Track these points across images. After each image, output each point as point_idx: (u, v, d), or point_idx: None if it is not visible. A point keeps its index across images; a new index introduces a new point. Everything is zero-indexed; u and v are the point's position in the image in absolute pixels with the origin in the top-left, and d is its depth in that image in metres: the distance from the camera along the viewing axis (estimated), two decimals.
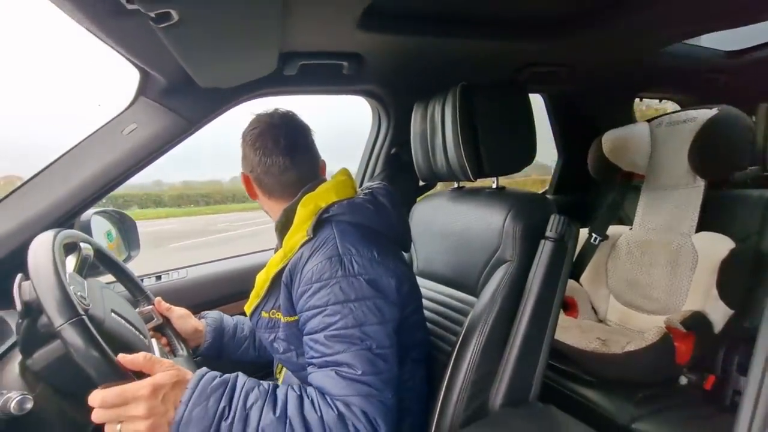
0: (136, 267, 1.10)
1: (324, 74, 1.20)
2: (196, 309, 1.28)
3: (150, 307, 0.94)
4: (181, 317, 0.97)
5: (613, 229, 1.64)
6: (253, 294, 0.86)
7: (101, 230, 1.27)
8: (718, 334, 1.25)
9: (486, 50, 1.30)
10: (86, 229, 1.13)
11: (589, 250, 1.65)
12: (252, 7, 0.63)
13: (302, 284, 0.73)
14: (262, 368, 1.14)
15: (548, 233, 0.87)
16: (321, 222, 0.78)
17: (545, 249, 0.86)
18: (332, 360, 0.68)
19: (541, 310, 0.86)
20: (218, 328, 1.03)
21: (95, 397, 0.57)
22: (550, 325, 0.87)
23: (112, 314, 0.72)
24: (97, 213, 1.21)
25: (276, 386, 0.68)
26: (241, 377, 0.68)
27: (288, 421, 0.63)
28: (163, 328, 0.94)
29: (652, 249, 1.50)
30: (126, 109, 1.04)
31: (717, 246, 1.29)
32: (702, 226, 1.40)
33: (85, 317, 0.59)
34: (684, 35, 1.49)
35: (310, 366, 0.71)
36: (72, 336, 0.56)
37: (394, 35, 1.06)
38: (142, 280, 1.29)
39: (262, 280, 0.83)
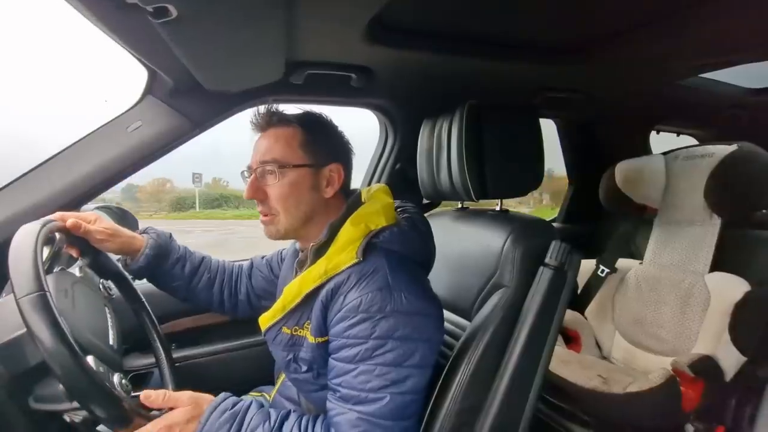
0: None
1: (332, 85, 1.20)
2: (187, 313, 1.27)
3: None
4: (105, 240, 0.84)
5: (622, 263, 1.58)
6: (277, 307, 0.78)
7: None
8: (730, 382, 1.18)
9: (499, 71, 1.29)
10: None
11: (595, 282, 1.59)
12: (254, 8, 0.63)
13: (344, 309, 0.69)
14: (261, 380, 1.11)
15: (547, 260, 0.83)
16: (369, 246, 0.73)
17: (543, 276, 0.82)
18: (359, 397, 0.66)
19: (535, 342, 0.81)
20: (158, 255, 0.92)
21: None
22: (543, 358, 0.82)
23: (89, 335, 0.70)
24: (98, 208, 1.21)
25: (284, 419, 0.68)
26: (252, 410, 0.68)
27: None
28: (140, 315, 0.91)
29: (662, 286, 1.43)
30: (132, 106, 1.05)
31: (731, 288, 1.22)
32: (716, 265, 1.34)
33: (121, 396, 0.61)
34: (701, 68, 1.46)
35: (331, 391, 0.70)
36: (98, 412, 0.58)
37: (404, 50, 1.06)
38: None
39: (293, 294, 0.75)
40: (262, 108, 0.79)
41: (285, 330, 0.78)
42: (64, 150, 1.01)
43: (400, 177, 1.47)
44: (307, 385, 0.79)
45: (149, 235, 0.93)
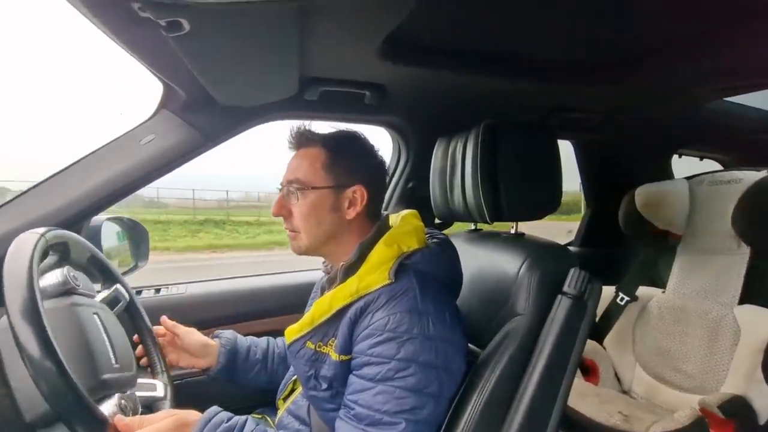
0: None
1: (346, 102, 1.19)
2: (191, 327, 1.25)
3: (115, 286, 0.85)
4: (188, 333, 0.94)
5: (643, 291, 1.51)
6: (305, 320, 0.79)
7: (112, 236, 1.27)
8: (763, 425, 1.09)
9: (516, 90, 1.27)
10: (96, 234, 1.13)
11: (615, 310, 1.52)
12: (267, 24, 0.62)
13: (371, 327, 0.69)
14: (262, 402, 1.08)
15: (566, 288, 0.78)
16: (401, 267, 0.74)
17: (561, 305, 0.77)
18: (373, 418, 0.65)
19: (553, 374, 0.76)
20: (232, 349, 0.97)
21: None
22: (562, 392, 0.77)
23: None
24: (109, 219, 1.21)
25: None
26: (249, 425, 0.66)
27: None
28: (143, 334, 0.89)
29: (687, 317, 1.36)
30: (146, 120, 1.06)
31: (764, 323, 1.15)
32: (745, 298, 1.26)
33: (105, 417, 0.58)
34: (726, 92, 1.41)
35: (345, 408, 0.69)
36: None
37: (418, 67, 1.04)
38: (139, 292, 1.28)
39: (322, 310, 0.76)
40: (294, 127, 0.81)
41: (309, 345, 0.78)
42: (76, 161, 1.01)
43: (411, 196, 1.45)
44: (324, 403, 0.78)
45: (218, 338, 0.98)
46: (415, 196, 1.42)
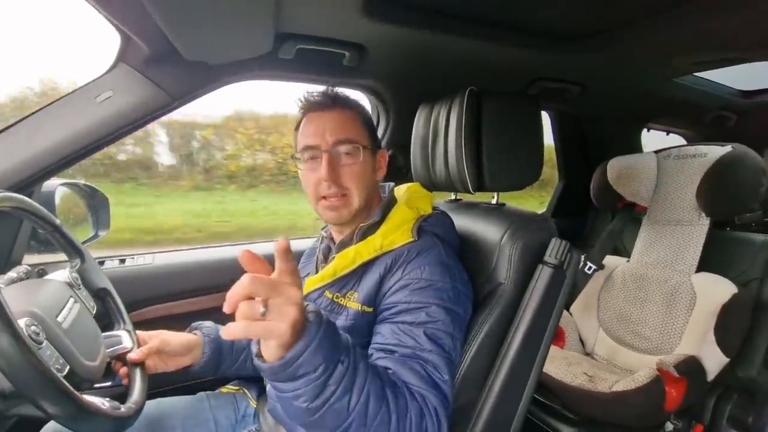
0: None
1: (323, 62, 1.12)
2: (159, 299, 1.20)
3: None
4: (165, 341, 0.82)
5: (609, 260, 1.58)
6: (327, 272, 0.80)
7: (67, 203, 1.17)
8: (711, 381, 1.19)
9: (499, 57, 1.24)
10: (49, 199, 1.04)
11: (581, 278, 1.58)
12: None
13: (406, 278, 0.73)
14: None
15: (547, 258, 0.80)
16: (419, 228, 0.79)
17: (542, 275, 0.79)
18: (423, 356, 0.67)
19: (531, 341, 0.78)
20: (216, 338, 0.90)
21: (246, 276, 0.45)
22: (539, 358, 0.80)
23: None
24: (63, 185, 1.11)
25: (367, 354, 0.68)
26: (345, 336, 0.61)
27: (386, 390, 0.59)
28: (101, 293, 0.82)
29: (648, 284, 1.43)
30: (103, 74, 0.95)
31: (718, 289, 1.23)
32: (702, 266, 1.34)
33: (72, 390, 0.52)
34: (699, 66, 1.44)
35: (385, 352, 0.68)
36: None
37: (401, 27, 0.99)
38: (102, 262, 1.20)
39: (345, 264, 0.78)
40: (320, 87, 0.80)
41: (327, 294, 0.80)
42: (22, 120, 0.91)
43: (391, 165, 1.42)
44: None
45: (198, 329, 0.92)
46: (395, 165, 1.39)
